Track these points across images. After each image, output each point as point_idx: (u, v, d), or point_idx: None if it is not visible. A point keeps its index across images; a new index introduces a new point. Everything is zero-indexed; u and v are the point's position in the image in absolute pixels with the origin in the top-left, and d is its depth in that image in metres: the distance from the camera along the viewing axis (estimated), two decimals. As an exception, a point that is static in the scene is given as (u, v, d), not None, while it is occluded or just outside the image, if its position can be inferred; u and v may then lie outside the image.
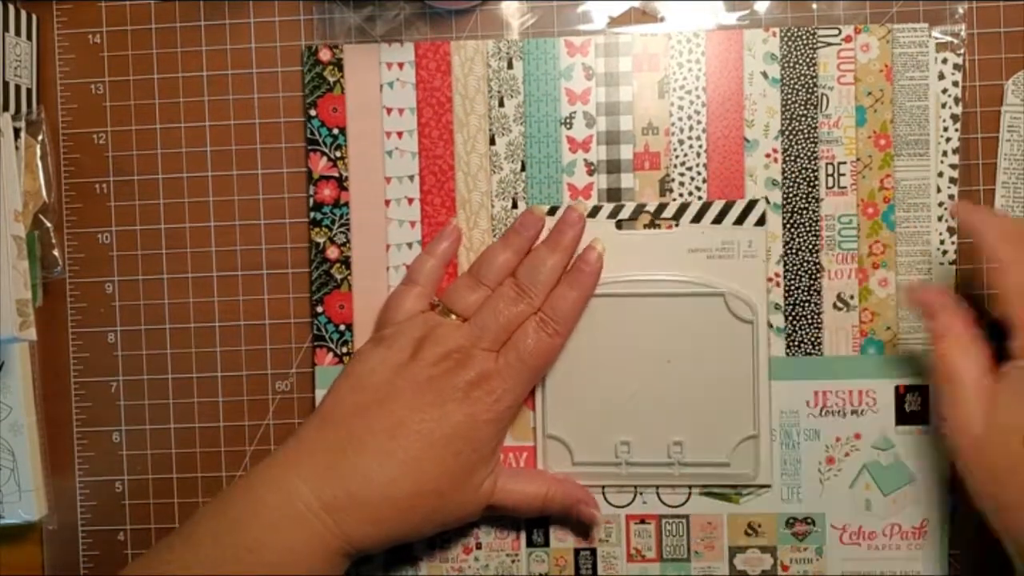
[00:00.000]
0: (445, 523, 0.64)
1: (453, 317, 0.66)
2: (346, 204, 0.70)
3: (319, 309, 0.70)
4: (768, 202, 0.68)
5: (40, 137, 0.70)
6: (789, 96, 0.68)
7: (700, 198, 0.68)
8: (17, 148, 0.68)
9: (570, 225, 0.67)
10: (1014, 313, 0.58)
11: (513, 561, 0.70)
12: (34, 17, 0.70)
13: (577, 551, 0.70)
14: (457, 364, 0.63)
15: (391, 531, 0.62)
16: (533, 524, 0.70)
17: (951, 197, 0.67)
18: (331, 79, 0.69)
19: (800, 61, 0.68)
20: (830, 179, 0.68)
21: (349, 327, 0.70)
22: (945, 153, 0.68)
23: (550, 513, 0.68)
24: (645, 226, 0.68)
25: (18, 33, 0.68)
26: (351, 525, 0.60)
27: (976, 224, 0.61)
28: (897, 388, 0.68)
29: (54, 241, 0.71)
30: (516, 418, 0.68)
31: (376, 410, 0.62)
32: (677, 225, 0.68)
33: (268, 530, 0.59)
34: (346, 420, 0.63)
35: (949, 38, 0.67)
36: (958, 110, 0.67)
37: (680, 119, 0.68)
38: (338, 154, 0.69)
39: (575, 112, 0.69)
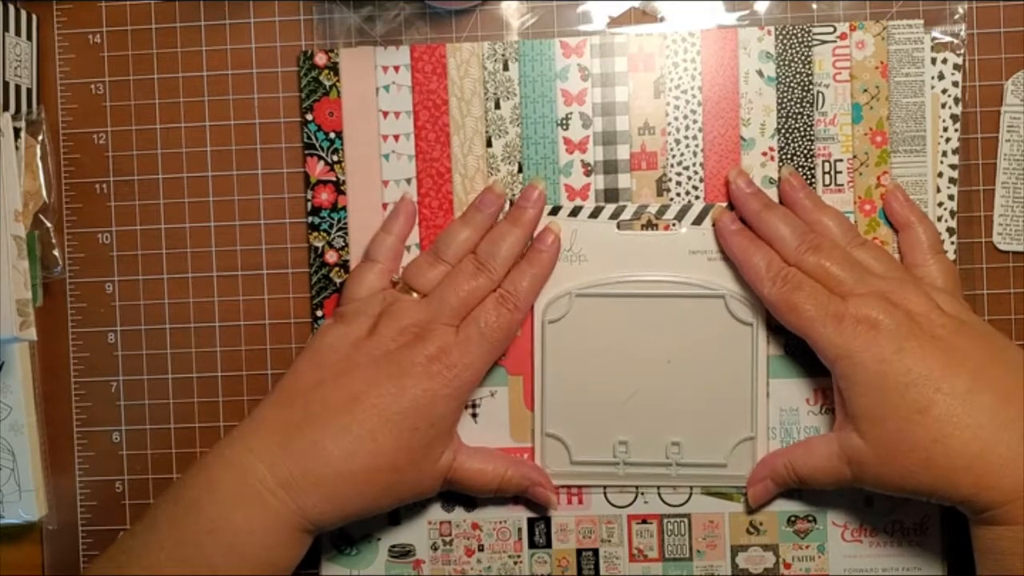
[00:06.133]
0: (402, 498, 0.64)
1: (414, 295, 0.66)
2: (344, 208, 0.70)
3: (319, 313, 0.70)
4: (766, 201, 0.68)
5: (40, 137, 0.70)
6: (785, 94, 0.68)
7: (698, 197, 0.68)
8: (17, 148, 0.68)
9: (530, 202, 0.68)
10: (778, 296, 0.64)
11: (515, 563, 0.70)
12: (34, 17, 0.70)
13: (579, 551, 0.69)
14: (416, 338, 0.64)
15: (348, 506, 0.62)
16: (535, 525, 0.69)
17: (951, 197, 0.67)
18: (327, 83, 0.69)
19: (795, 59, 0.68)
20: (827, 176, 0.68)
21: (348, 329, 0.69)
22: (945, 153, 0.67)
23: (506, 493, 0.68)
24: (643, 226, 0.68)
25: (18, 33, 0.68)
26: (308, 502, 0.60)
27: (718, 228, 0.68)
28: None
29: (54, 241, 0.71)
30: (472, 391, 0.67)
31: (333, 385, 0.63)
32: (678, 227, 0.68)
33: (225, 510, 0.59)
34: (303, 395, 0.63)
35: (949, 38, 0.67)
36: (958, 110, 0.67)
37: (676, 119, 0.68)
38: (335, 158, 0.70)
39: (571, 113, 0.69)
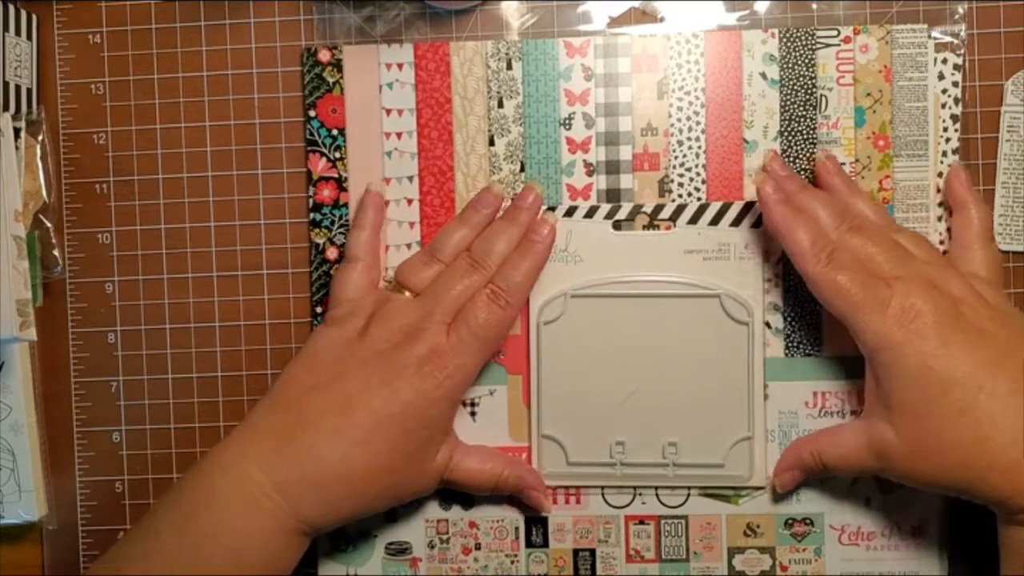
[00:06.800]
0: (399, 498, 0.64)
1: (407, 294, 0.66)
2: (345, 205, 0.70)
3: (319, 310, 0.70)
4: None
5: (40, 137, 0.70)
6: (788, 97, 0.68)
7: (699, 199, 0.68)
8: (17, 148, 0.68)
9: (527, 204, 0.67)
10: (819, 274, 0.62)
11: (512, 562, 0.70)
12: (34, 17, 0.70)
13: (576, 552, 0.70)
14: (408, 338, 0.63)
15: (345, 508, 0.62)
16: (532, 524, 0.70)
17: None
18: (330, 80, 0.69)
19: (799, 62, 0.68)
20: (829, 180, 0.68)
21: (348, 328, 0.69)
22: (945, 153, 0.67)
23: (502, 492, 0.68)
24: (644, 227, 0.68)
25: (18, 33, 0.68)
26: (304, 505, 0.60)
27: (761, 197, 0.64)
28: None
29: (54, 241, 0.71)
30: (466, 390, 0.67)
31: (326, 388, 0.62)
32: (674, 226, 0.68)
33: (223, 515, 0.59)
34: (297, 399, 0.62)
35: (949, 38, 0.67)
36: (958, 110, 0.67)
37: (679, 120, 0.68)
38: (337, 155, 0.69)
39: (574, 113, 0.69)
